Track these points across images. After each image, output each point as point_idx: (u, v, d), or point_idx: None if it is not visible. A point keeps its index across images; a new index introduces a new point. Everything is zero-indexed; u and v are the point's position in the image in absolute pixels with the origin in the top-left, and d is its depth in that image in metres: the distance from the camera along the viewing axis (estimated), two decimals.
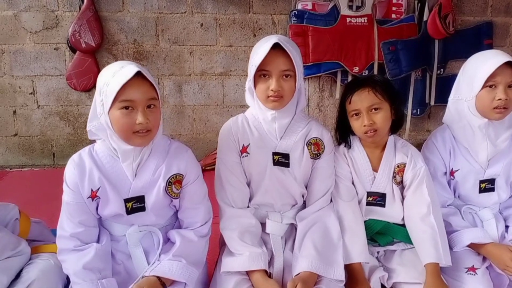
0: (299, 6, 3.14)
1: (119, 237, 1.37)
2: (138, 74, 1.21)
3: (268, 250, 1.43)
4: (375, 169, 1.53)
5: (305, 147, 1.47)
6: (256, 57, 1.36)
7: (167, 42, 3.24)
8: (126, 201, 1.31)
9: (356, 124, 1.47)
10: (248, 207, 1.51)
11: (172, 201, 1.38)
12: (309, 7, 3.14)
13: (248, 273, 1.38)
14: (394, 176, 1.52)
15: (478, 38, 3.30)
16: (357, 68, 3.17)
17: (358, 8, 3.14)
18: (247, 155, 1.47)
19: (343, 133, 1.56)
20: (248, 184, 1.51)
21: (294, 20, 3.12)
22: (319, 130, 1.50)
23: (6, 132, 3.30)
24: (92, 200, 1.31)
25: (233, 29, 3.25)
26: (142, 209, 1.33)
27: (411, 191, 1.50)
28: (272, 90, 1.35)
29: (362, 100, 1.45)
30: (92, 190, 1.31)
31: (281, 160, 1.46)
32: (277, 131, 1.46)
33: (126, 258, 1.36)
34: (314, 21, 3.11)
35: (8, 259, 1.30)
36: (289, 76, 1.37)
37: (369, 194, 1.52)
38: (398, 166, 1.52)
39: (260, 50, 1.35)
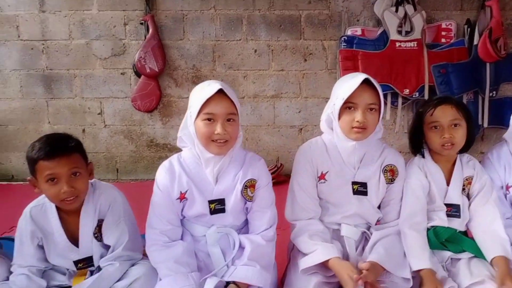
0: (349, 32, 3.27)
1: (199, 237, 1.54)
2: (221, 91, 1.41)
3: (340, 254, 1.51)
4: (446, 182, 1.61)
5: (381, 174, 1.57)
6: (342, 90, 1.47)
7: (223, 67, 3.46)
8: (210, 202, 1.48)
9: (435, 137, 1.56)
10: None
11: (246, 203, 1.53)
12: (359, 32, 3.26)
13: (324, 266, 1.46)
14: (463, 189, 1.60)
15: None
16: (408, 90, 3.23)
17: (407, 33, 3.22)
18: (324, 182, 1.58)
19: (416, 144, 1.65)
20: (322, 206, 1.61)
21: (344, 45, 3.25)
22: (393, 157, 1.60)
23: None
24: (180, 201, 1.50)
25: (284, 54, 3.43)
26: (223, 210, 1.51)
27: (478, 200, 1.58)
28: (357, 122, 1.45)
29: (445, 114, 1.54)
30: (181, 192, 1.49)
31: (360, 189, 1.56)
32: (356, 161, 1.55)
33: (205, 257, 1.52)
34: (364, 45, 3.23)
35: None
36: (374, 110, 1.48)
37: (445, 205, 1.59)
38: (466, 179, 1.61)
39: (348, 84, 1.46)
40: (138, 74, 3.41)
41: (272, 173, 3.26)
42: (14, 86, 3.52)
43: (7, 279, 1.63)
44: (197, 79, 3.47)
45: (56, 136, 1.50)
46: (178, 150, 1.61)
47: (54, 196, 1.45)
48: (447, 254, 1.56)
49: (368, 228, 1.62)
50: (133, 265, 1.59)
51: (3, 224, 1.70)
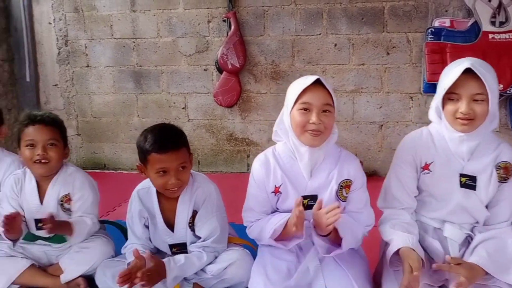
0: (436, 24, 3.13)
1: None
2: (318, 82, 1.43)
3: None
4: None
5: (494, 170, 1.46)
6: (446, 80, 1.39)
7: (302, 62, 3.48)
8: (303, 198, 1.48)
9: None
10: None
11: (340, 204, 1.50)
12: (447, 24, 3.11)
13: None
14: None
15: None
16: (501, 86, 3.02)
17: (502, 24, 3.01)
18: (428, 172, 1.51)
19: None
20: (423, 200, 1.55)
21: (430, 38, 3.12)
22: (510, 153, 1.48)
23: None
24: (275, 195, 1.54)
25: (366, 48, 3.37)
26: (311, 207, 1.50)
27: None
28: (461, 113, 1.37)
29: None
30: (275, 185, 1.53)
31: (468, 182, 1.47)
32: (465, 152, 1.46)
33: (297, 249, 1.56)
34: (453, 38, 3.07)
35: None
36: (481, 100, 1.37)
37: None
38: None
39: (451, 73, 1.39)
40: (220, 70, 3.54)
41: None
42: (108, 82, 3.82)
43: (112, 257, 1.79)
44: (276, 75, 3.53)
45: (167, 129, 1.63)
46: (256, 144, 1.68)
47: (161, 186, 1.58)
48: None
49: (473, 229, 1.52)
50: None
51: (101, 208, 1.91)
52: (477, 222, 1.51)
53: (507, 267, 1.38)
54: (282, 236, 1.50)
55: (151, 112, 3.80)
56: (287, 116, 1.49)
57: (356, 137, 3.50)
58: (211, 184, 1.71)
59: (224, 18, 3.48)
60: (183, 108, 3.74)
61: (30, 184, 1.78)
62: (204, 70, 3.64)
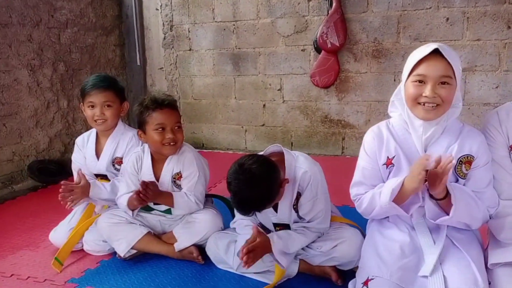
0: None
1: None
2: (436, 51, 1.31)
3: None
4: None
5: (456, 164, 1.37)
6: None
7: (408, 39, 3.25)
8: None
9: None
10: None
11: (457, 180, 1.41)
12: None
13: None
14: None
15: None
16: None
17: None
18: None
19: None
20: None
21: None
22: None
23: (256, 122, 3.90)
24: (387, 167, 1.46)
25: (483, 22, 3.04)
26: None
27: None
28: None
29: None
30: (388, 157, 1.45)
31: None
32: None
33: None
34: None
35: None
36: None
37: None
38: None
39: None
40: (318, 50, 3.46)
41: None
42: (208, 65, 3.96)
43: (222, 230, 1.85)
44: (378, 53, 3.35)
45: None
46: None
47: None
48: None
49: None
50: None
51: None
52: None
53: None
54: (397, 201, 1.40)
55: (247, 93, 3.86)
56: (402, 86, 1.42)
57: (467, 120, 3.19)
58: (315, 166, 1.67)
59: None
60: (278, 90, 3.74)
61: (147, 161, 1.91)
62: (302, 50, 3.58)
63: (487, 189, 1.41)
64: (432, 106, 1.34)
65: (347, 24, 3.35)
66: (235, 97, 3.92)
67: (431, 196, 1.39)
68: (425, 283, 1.31)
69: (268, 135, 3.88)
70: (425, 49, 1.34)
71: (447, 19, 3.13)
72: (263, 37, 3.70)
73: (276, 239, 1.56)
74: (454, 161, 1.36)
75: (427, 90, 1.32)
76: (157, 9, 4.06)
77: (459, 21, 3.10)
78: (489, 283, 1.33)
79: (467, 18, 3.08)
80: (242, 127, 3.97)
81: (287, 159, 1.62)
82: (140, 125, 1.84)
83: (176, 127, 1.82)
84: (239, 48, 3.80)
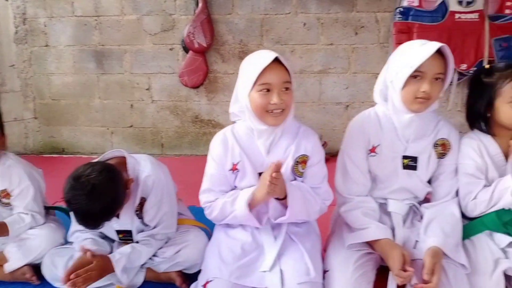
0: (405, 3, 3.11)
1: None
2: (276, 59, 1.35)
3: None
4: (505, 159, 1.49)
5: (433, 148, 1.49)
6: (411, 58, 1.37)
7: (271, 42, 3.40)
8: (260, 174, 1.44)
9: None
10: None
11: (295, 179, 1.48)
12: (416, 3, 3.09)
13: (372, 245, 1.43)
14: None
15: None
16: (465, 65, 3.05)
17: (468, 3, 3.03)
18: (375, 155, 1.51)
19: (476, 118, 1.53)
20: (371, 180, 1.55)
21: (399, 17, 3.10)
22: (447, 130, 1.51)
23: (123, 124, 3.69)
24: (233, 172, 1.48)
25: (335, 28, 3.32)
26: None
27: None
28: (423, 92, 1.36)
29: None
30: (233, 163, 1.47)
31: (410, 163, 1.49)
32: (410, 134, 1.48)
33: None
34: (421, 17, 3.07)
35: None
36: (439, 79, 1.39)
37: None
38: None
39: (417, 51, 1.36)
40: (186, 49, 3.42)
41: None
42: (68, 62, 3.63)
43: (61, 245, 1.69)
44: (243, 54, 3.42)
45: None
46: (223, 126, 1.61)
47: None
48: (507, 237, 1.43)
49: (417, 201, 1.56)
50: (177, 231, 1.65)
51: (55, 194, 1.75)
52: (416, 197, 1.56)
53: (457, 244, 1.41)
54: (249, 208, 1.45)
55: (113, 93, 3.64)
56: (245, 97, 1.40)
57: (322, 118, 3.46)
58: (159, 169, 1.60)
59: None
60: (146, 89, 3.60)
61: None
62: (170, 49, 3.51)
63: (322, 185, 1.52)
64: (279, 112, 1.38)
65: (214, 25, 3.37)
66: (99, 97, 3.66)
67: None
68: (264, 277, 1.35)
69: (137, 136, 3.69)
70: (264, 59, 1.35)
71: (304, 24, 3.35)
72: (129, 34, 3.53)
73: (118, 256, 1.48)
74: (292, 162, 1.45)
75: (275, 98, 1.35)
76: (6, 0, 3.62)
77: (314, 26, 3.34)
78: (328, 271, 1.42)
79: (322, 23, 3.34)
80: (108, 129, 3.71)
81: (129, 162, 1.53)
82: None
83: None
84: (102, 45, 3.57)
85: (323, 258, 1.49)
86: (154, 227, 1.57)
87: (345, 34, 3.32)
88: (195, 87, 3.49)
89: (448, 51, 1.37)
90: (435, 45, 1.34)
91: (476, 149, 1.49)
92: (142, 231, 1.59)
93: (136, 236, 1.58)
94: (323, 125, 3.46)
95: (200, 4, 3.31)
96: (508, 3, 3.04)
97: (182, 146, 3.62)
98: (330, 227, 1.67)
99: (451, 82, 3.14)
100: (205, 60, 3.43)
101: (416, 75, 1.37)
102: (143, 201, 1.54)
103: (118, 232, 1.59)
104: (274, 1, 3.33)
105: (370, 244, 1.44)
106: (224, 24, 3.41)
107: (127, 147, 3.68)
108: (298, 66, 3.41)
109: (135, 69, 3.58)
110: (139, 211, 1.55)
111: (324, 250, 1.56)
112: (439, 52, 1.36)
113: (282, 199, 1.43)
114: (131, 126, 3.68)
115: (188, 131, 3.61)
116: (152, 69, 3.56)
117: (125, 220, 1.55)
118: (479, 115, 1.51)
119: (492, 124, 1.50)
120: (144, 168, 1.55)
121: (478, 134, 1.52)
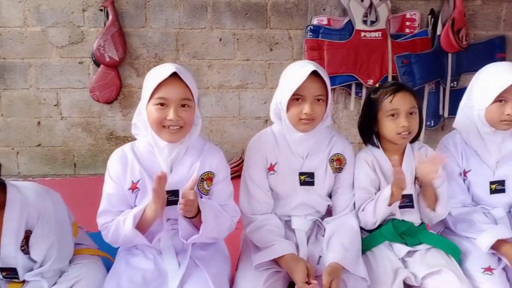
0: (315, 22, 3.24)
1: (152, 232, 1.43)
2: (175, 75, 1.32)
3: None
4: None
5: (328, 163, 1.54)
6: (292, 82, 1.41)
7: (187, 56, 3.35)
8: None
9: (392, 125, 1.50)
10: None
11: (202, 197, 1.44)
12: (325, 22, 3.24)
13: (277, 262, 1.43)
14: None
15: (491, 52, 3.35)
16: (371, 80, 3.23)
17: (372, 23, 3.22)
18: (274, 173, 1.53)
19: (368, 133, 1.60)
20: (274, 197, 1.57)
21: (310, 35, 3.22)
22: (341, 145, 1.56)
23: (30, 143, 3.42)
24: (132, 191, 1.41)
25: (250, 43, 3.36)
26: (175, 202, 1.40)
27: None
28: (305, 114, 1.41)
29: (405, 102, 1.48)
30: (132, 181, 1.40)
31: (307, 179, 1.52)
32: (304, 151, 1.51)
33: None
34: (330, 35, 3.21)
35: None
36: (321, 100, 1.44)
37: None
38: None
39: (296, 75, 1.40)
40: (97, 63, 3.26)
41: (236, 166, 3.20)
42: None
43: None
44: None
45: None
46: None
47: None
48: (405, 247, 1.51)
49: (319, 216, 1.60)
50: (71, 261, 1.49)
51: None
52: (318, 212, 1.60)
53: (358, 256, 1.44)
54: (141, 228, 1.37)
55: (17, 110, 3.36)
56: (143, 109, 1.37)
57: (243, 132, 3.47)
58: (47, 197, 1.44)
59: (101, 7, 3.21)
60: (55, 105, 3.37)
61: None
62: (79, 63, 3.32)
63: (229, 202, 1.50)
64: (177, 129, 1.34)
65: (126, 38, 3.25)
66: (2, 114, 3.36)
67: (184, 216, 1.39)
68: None
69: (46, 156, 3.44)
70: (164, 72, 1.32)
71: (220, 39, 3.35)
72: (33, 47, 3.28)
73: None
74: (196, 176, 1.39)
75: (171, 114, 1.31)
76: None
77: (230, 41, 3.35)
78: None
79: (237, 39, 3.36)
80: (13, 148, 3.42)
81: (10, 192, 1.36)
82: None
83: None
84: (4, 58, 3.28)
85: (233, 280, 1.46)
86: (43, 263, 1.42)
87: (260, 50, 3.38)
88: (108, 102, 3.34)
89: (322, 73, 1.42)
90: (309, 69, 1.39)
91: (370, 163, 1.56)
92: (31, 269, 1.42)
93: (24, 276, 1.41)
94: (244, 139, 3.47)
95: (110, 17, 3.17)
96: (408, 23, 3.29)
97: (97, 165, 3.43)
98: (240, 248, 1.65)
99: (361, 96, 3.32)
100: (118, 74, 3.29)
101: (297, 98, 1.41)
102: (28, 234, 1.39)
103: (1, 269, 1.41)
104: (189, 16, 3.29)
105: (276, 261, 1.43)
106: (137, 37, 3.30)
107: (35, 168, 3.43)
108: (217, 81, 3.40)
109: (42, 84, 3.34)
110: (25, 246, 1.39)
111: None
112: (318, 73, 1.41)
113: (193, 218, 1.38)
114: (39, 145, 3.43)
115: (103, 149, 3.43)
116: (60, 83, 3.34)
117: (6, 257, 1.38)
118: (368, 130, 1.59)
119: (380, 139, 1.58)
120: (27, 196, 1.39)
121: (372, 149, 1.60)
